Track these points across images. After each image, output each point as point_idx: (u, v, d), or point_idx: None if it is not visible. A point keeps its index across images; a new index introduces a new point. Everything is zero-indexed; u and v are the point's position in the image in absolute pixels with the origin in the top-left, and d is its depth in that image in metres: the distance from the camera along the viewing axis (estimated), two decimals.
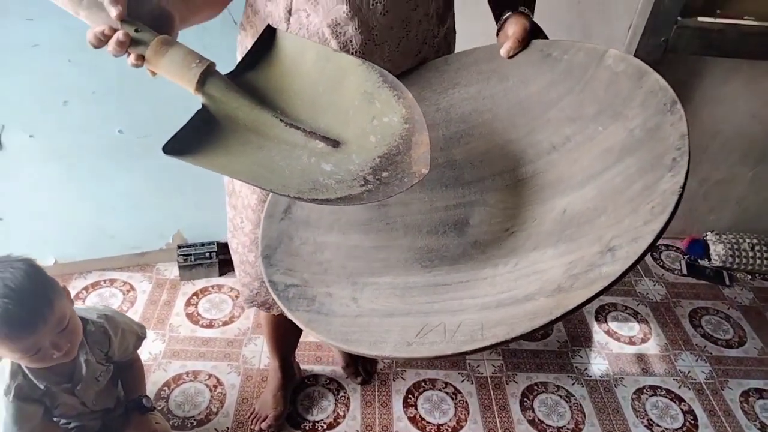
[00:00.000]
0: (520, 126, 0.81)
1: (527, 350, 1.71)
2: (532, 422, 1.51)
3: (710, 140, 1.95)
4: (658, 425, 1.53)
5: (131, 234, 1.80)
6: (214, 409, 1.48)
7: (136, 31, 0.67)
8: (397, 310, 0.67)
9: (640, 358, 1.72)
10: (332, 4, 0.82)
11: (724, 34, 1.64)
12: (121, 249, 1.83)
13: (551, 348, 1.72)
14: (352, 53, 0.86)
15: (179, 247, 1.84)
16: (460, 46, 0.98)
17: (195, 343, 1.65)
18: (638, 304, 1.91)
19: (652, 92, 0.67)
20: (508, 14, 0.85)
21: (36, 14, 1.29)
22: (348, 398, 1.53)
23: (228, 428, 1.44)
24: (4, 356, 1.04)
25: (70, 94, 1.45)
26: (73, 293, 1.75)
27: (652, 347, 1.76)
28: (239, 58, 0.84)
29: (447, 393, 1.56)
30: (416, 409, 1.52)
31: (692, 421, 1.55)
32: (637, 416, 1.55)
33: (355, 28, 0.83)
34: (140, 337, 1.30)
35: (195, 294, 1.81)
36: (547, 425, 1.51)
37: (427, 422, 1.49)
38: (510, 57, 0.83)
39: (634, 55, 1.72)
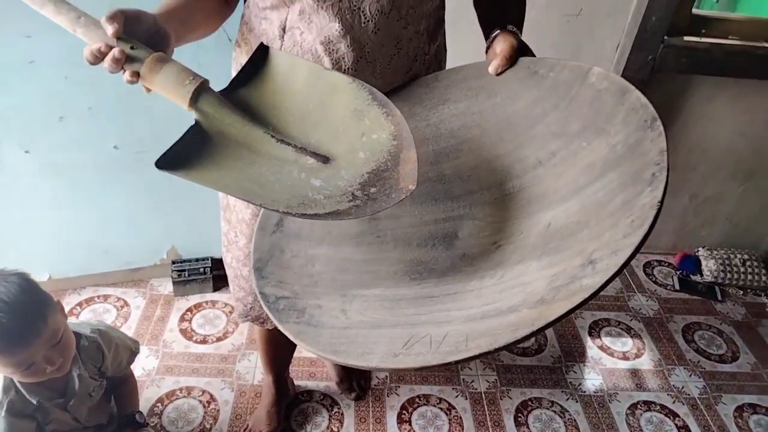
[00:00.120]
0: (508, 141, 0.83)
1: (521, 366, 1.71)
2: None
3: (699, 157, 1.97)
4: None
5: (125, 250, 1.81)
6: (208, 426, 1.47)
7: (132, 48, 0.69)
8: (385, 322, 0.68)
9: (634, 373, 1.73)
10: (325, 22, 0.84)
11: (709, 53, 1.68)
12: (115, 265, 1.83)
13: (545, 363, 1.73)
14: (345, 70, 0.88)
15: (173, 262, 1.84)
16: (452, 62, 1.00)
17: (188, 358, 1.64)
18: (631, 320, 1.92)
19: (634, 109, 0.69)
20: (496, 32, 0.87)
21: (33, 31, 1.32)
22: (342, 414, 1.53)
23: None
24: None
25: (66, 110, 1.47)
26: (67, 309, 1.75)
27: (646, 362, 1.77)
28: (234, 75, 0.86)
29: (441, 409, 1.56)
30: (410, 425, 1.51)
31: None
32: (631, 431, 1.55)
33: (348, 46, 0.85)
34: (133, 353, 1.30)
35: (189, 309, 1.81)
36: None
37: None
38: (498, 74, 0.85)
39: (623, 74, 1.78)
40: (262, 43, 0.78)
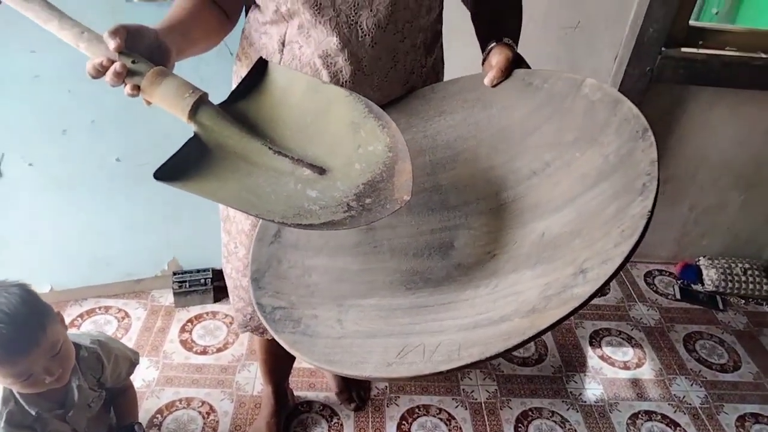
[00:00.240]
0: (503, 152, 0.84)
1: (521, 375, 1.71)
2: None
3: (698, 167, 1.98)
4: None
5: (127, 261, 1.82)
6: None
7: (133, 62, 0.70)
8: (380, 332, 0.68)
9: (635, 382, 1.72)
10: (323, 36, 0.86)
11: (707, 64, 1.69)
12: (116, 276, 1.84)
13: (545, 373, 1.72)
14: (343, 83, 0.89)
15: (174, 273, 1.85)
16: (451, 75, 1.00)
17: (188, 369, 1.65)
18: (632, 329, 1.91)
19: (626, 120, 0.70)
20: (492, 45, 0.88)
21: (38, 47, 1.34)
22: (341, 425, 1.52)
23: None
24: None
25: (69, 123, 1.49)
26: (68, 320, 1.76)
27: (647, 372, 1.76)
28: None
29: (441, 419, 1.56)
30: None
31: None
32: None
33: (345, 59, 0.87)
34: (133, 363, 1.31)
35: (189, 321, 1.81)
36: None
37: None
38: (493, 86, 0.86)
39: (621, 85, 1.79)
40: (261, 57, 0.79)
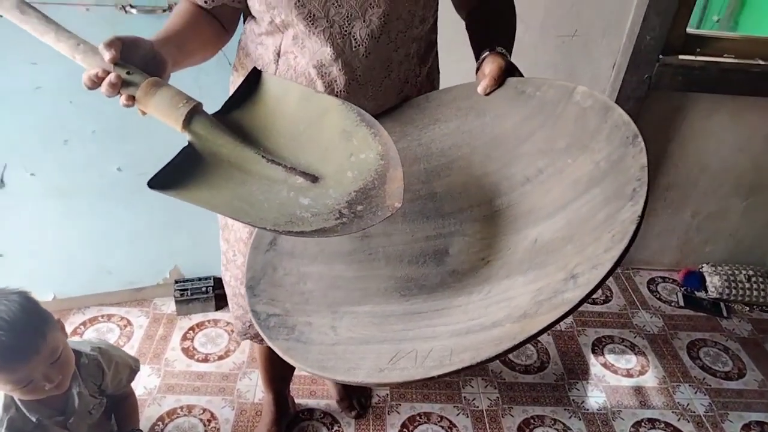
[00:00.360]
0: (497, 159, 0.85)
1: (523, 383, 1.70)
2: None
3: (699, 174, 1.98)
4: None
5: (129, 269, 1.83)
6: None
7: (128, 73, 0.71)
8: (373, 338, 0.69)
9: (638, 390, 1.71)
10: (317, 46, 0.87)
11: (705, 72, 1.70)
12: (118, 284, 1.85)
13: (548, 381, 1.71)
14: (337, 92, 0.90)
15: (176, 282, 1.86)
16: (449, 83, 1.01)
17: (190, 377, 1.65)
18: (635, 337, 1.90)
19: (617, 126, 0.70)
20: (485, 54, 0.89)
21: (39, 59, 1.36)
22: None
23: None
24: None
25: (70, 133, 1.51)
26: (71, 328, 1.77)
27: (650, 380, 1.75)
28: None
29: (442, 427, 1.55)
30: None
31: None
32: None
33: (339, 69, 0.88)
34: (134, 370, 1.31)
35: (191, 328, 1.82)
36: None
37: None
38: (486, 94, 0.87)
39: (619, 92, 1.80)
40: (255, 68, 0.80)
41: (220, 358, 1.72)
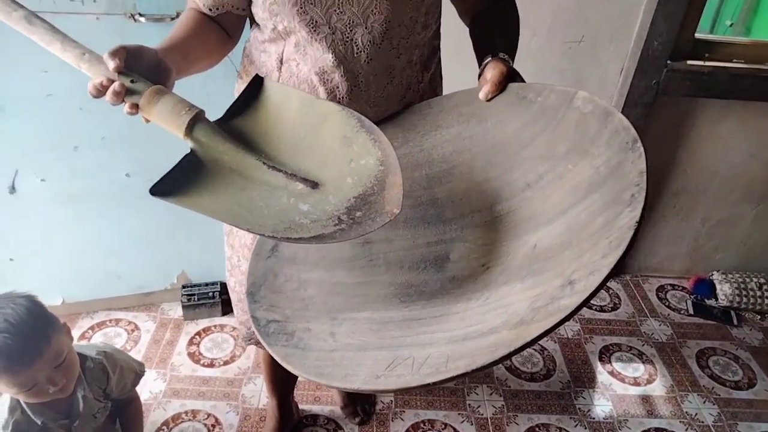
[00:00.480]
0: (498, 165, 0.85)
1: (529, 391, 1.69)
2: None
3: (709, 180, 1.96)
4: None
5: (137, 274, 1.84)
6: None
7: (132, 81, 0.73)
8: (371, 344, 0.69)
9: (646, 399, 1.69)
10: (319, 53, 0.87)
11: (714, 77, 1.68)
12: (127, 289, 1.86)
13: (553, 389, 1.70)
14: (339, 99, 0.91)
15: (184, 287, 1.87)
16: (454, 89, 1.01)
17: (195, 382, 1.66)
18: (643, 345, 1.88)
19: (616, 132, 0.70)
20: (488, 59, 0.88)
21: (51, 67, 1.38)
22: None
23: None
24: (2, 391, 1.06)
25: (80, 140, 1.53)
26: (79, 333, 1.79)
27: (658, 388, 1.73)
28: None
29: None
30: None
31: None
32: None
33: (341, 75, 0.88)
34: (138, 375, 1.32)
35: (198, 333, 1.83)
36: None
37: None
38: (488, 100, 0.86)
39: (627, 98, 1.79)
40: (257, 74, 0.81)
41: (226, 363, 1.72)
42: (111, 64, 0.70)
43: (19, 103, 1.44)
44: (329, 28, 0.84)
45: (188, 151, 0.75)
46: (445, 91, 1.07)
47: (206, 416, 1.55)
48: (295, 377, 1.50)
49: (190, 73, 0.86)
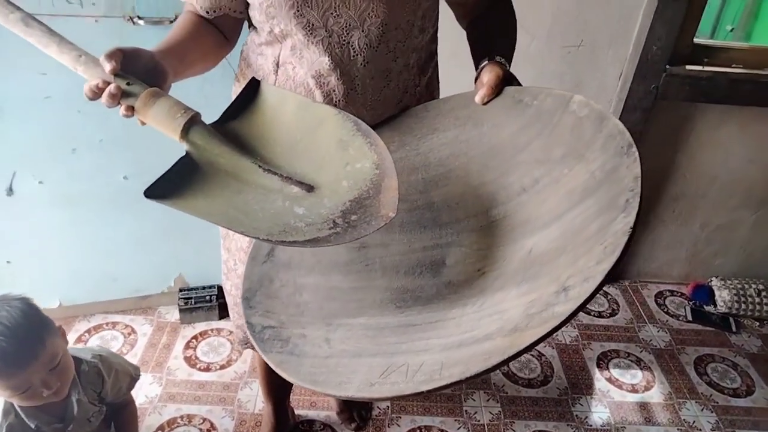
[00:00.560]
0: (494, 168, 0.84)
1: (526, 397, 1.68)
2: None
3: (708, 185, 1.96)
4: None
5: (134, 277, 1.84)
6: None
7: (128, 84, 0.72)
8: (366, 351, 0.68)
9: (643, 406, 1.68)
10: (315, 56, 0.87)
11: (713, 82, 1.68)
12: (124, 292, 1.86)
13: (551, 395, 1.69)
14: (336, 102, 0.90)
15: (181, 290, 1.87)
16: (451, 93, 1.00)
17: (191, 386, 1.65)
18: (641, 351, 1.88)
19: (612, 136, 0.69)
20: (484, 63, 0.88)
21: (49, 69, 1.38)
22: None
23: None
24: None
25: (78, 142, 1.53)
26: (75, 336, 1.78)
27: (656, 395, 1.72)
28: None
29: None
30: None
31: None
32: None
33: (338, 78, 0.88)
34: (134, 379, 1.31)
35: (194, 337, 1.82)
36: None
37: None
38: (484, 103, 0.86)
39: (626, 102, 1.79)
40: (253, 78, 0.81)
41: (222, 367, 1.72)
42: (107, 67, 0.70)
43: (17, 105, 1.44)
44: (326, 31, 0.84)
45: (183, 153, 0.75)
46: (442, 95, 1.06)
47: (202, 421, 1.55)
48: (291, 383, 1.49)
49: (187, 75, 0.86)
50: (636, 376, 1.78)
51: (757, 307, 2.01)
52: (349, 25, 0.84)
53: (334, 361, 0.68)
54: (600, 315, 2.02)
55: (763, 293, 2.03)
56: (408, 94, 0.96)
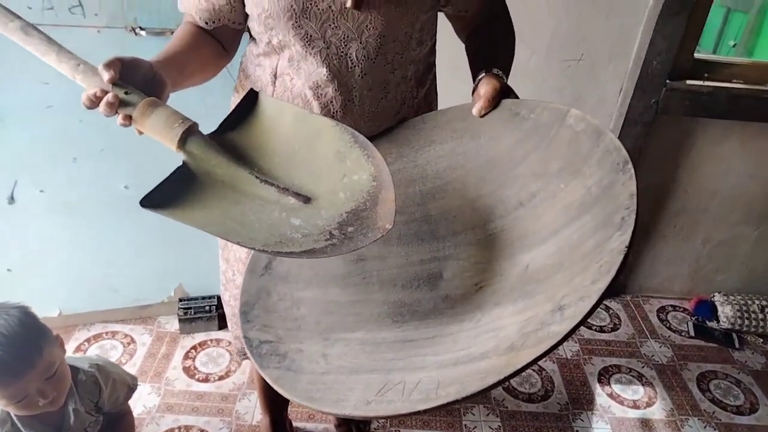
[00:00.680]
0: (491, 181, 0.84)
1: (526, 412, 1.66)
2: None
3: (709, 200, 1.95)
4: None
5: (134, 287, 1.84)
6: None
7: (126, 93, 0.73)
8: (363, 367, 0.68)
9: (645, 423, 1.66)
10: (313, 68, 0.88)
11: (713, 97, 1.68)
12: (124, 301, 1.86)
13: (551, 410, 1.67)
14: (333, 113, 0.91)
15: (180, 300, 1.86)
16: (450, 104, 1.01)
17: (189, 397, 1.64)
18: (643, 367, 1.86)
19: (608, 151, 0.69)
20: (481, 75, 0.89)
21: (51, 78, 1.39)
22: None
23: None
24: None
25: (79, 151, 1.53)
26: (75, 345, 1.78)
27: (658, 412, 1.70)
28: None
29: None
30: None
31: None
32: None
33: (335, 89, 0.88)
34: (131, 389, 1.31)
35: (193, 347, 1.81)
36: None
37: None
38: (481, 116, 0.86)
39: (626, 117, 1.79)
40: (251, 89, 0.81)
41: (221, 378, 1.71)
42: (105, 76, 0.71)
43: (19, 113, 1.45)
44: (324, 42, 0.85)
45: (180, 163, 0.75)
46: (441, 106, 1.07)
47: None
48: None
49: (186, 86, 0.87)
50: (638, 392, 1.76)
51: (761, 323, 1.99)
52: (347, 36, 0.84)
53: (331, 378, 0.68)
54: (601, 330, 2.00)
55: (767, 309, 2.01)
56: (406, 105, 0.96)
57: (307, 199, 0.74)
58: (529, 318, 0.61)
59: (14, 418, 1.09)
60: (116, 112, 0.72)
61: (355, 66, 0.87)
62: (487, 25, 0.98)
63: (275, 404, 1.46)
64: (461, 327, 0.70)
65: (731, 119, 1.75)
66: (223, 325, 1.86)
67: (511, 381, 1.75)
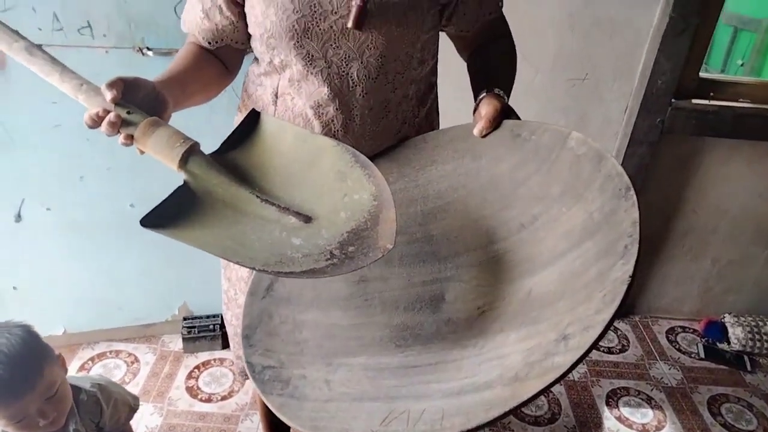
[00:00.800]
0: (493, 202, 0.83)
1: None
2: None
3: (719, 220, 1.93)
4: None
5: (139, 306, 1.84)
6: None
7: (129, 113, 0.73)
8: (366, 394, 0.67)
9: None
10: (314, 87, 0.88)
11: (719, 116, 1.68)
12: (128, 320, 1.86)
13: None
14: (334, 132, 0.91)
15: (185, 318, 1.86)
16: (452, 123, 1.01)
17: (192, 417, 1.63)
18: (652, 389, 1.82)
19: (610, 177, 0.68)
20: (483, 95, 0.88)
21: (59, 98, 1.39)
22: None
23: None
24: None
25: (86, 170, 1.55)
26: (79, 363, 1.77)
27: None
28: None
29: None
30: None
31: None
32: None
33: (336, 109, 0.89)
34: (133, 409, 1.29)
35: (197, 367, 1.80)
36: None
37: None
38: (483, 136, 0.86)
39: (632, 136, 1.78)
40: (253, 109, 0.82)
41: (224, 398, 1.69)
42: (108, 95, 0.71)
43: (27, 133, 1.47)
44: (325, 61, 0.85)
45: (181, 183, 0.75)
46: (443, 125, 1.06)
47: None
48: None
49: (188, 105, 0.87)
50: (647, 415, 1.73)
51: None
52: (348, 56, 0.85)
53: (334, 406, 0.67)
54: (609, 351, 1.97)
55: None
56: (407, 125, 0.96)
57: (307, 219, 0.74)
58: (532, 347, 0.60)
59: None
60: (118, 132, 0.73)
61: (356, 85, 0.87)
62: (489, 45, 0.98)
63: (278, 427, 1.44)
64: (464, 353, 0.69)
65: (738, 138, 1.74)
66: (226, 344, 1.85)
67: None
